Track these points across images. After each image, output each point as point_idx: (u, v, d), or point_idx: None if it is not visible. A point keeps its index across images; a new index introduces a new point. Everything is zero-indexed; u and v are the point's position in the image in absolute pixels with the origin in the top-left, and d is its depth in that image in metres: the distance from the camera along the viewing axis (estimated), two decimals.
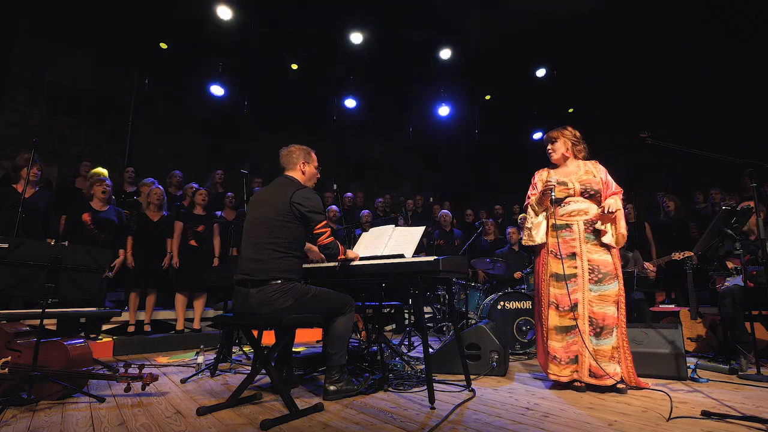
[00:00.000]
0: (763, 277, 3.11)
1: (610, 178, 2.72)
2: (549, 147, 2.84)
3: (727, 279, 3.68)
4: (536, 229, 2.75)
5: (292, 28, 7.33)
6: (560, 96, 8.46)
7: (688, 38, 6.52)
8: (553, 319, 2.61)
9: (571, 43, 7.39)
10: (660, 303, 4.90)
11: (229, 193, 5.38)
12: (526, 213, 2.85)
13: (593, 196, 2.65)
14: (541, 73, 8.31)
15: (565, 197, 2.67)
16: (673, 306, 4.51)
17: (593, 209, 2.66)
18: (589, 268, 2.56)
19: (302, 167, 2.57)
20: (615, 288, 2.54)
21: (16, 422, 2.00)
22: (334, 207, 5.72)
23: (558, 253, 2.63)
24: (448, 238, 6.19)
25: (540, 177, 2.84)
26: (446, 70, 8.38)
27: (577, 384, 2.52)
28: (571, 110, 8.66)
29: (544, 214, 2.74)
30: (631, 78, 7.38)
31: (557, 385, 2.61)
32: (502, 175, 9.42)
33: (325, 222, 2.42)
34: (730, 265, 3.71)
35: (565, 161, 2.80)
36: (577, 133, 2.81)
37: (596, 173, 2.71)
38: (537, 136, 9.20)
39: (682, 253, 3.79)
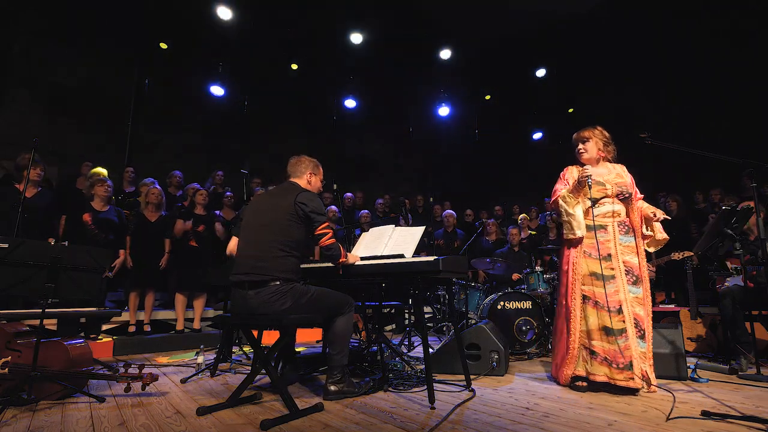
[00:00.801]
0: (763, 277, 3.11)
1: (634, 182, 2.74)
2: (581, 147, 2.79)
3: (727, 279, 3.68)
4: (577, 221, 2.65)
5: (292, 28, 7.34)
6: (560, 96, 8.47)
7: (688, 38, 6.52)
8: (597, 318, 2.53)
9: (571, 43, 7.39)
10: (660, 303, 4.89)
11: (228, 193, 5.38)
12: (557, 207, 2.74)
13: (626, 198, 2.66)
14: (541, 73, 8.32)
15: (602, 197, 2.66)
16: (673, 306, 4.51)
17: (624, 212, 2.68)
18: (626, 270, 2.57)
19: (309, 177, 2.62)
20: (641, 292, 2.57)
21: (16, 422, 2.00)
22: (333, 207, 5.72)
23: (593, 254, 2.61)
24: (451, 239, 6.19)
25: (570, 173, 2.79)
26: (446, 70, 8.38)
27: (580, 384, 2.50)
28: (571, 110, 8.66)
29: (581, 206, 2.67)
30: (631, 78, 7.39)
31: (608, 386, 2.47)
32: (502, 175, 9.43)
33: (327, 224, 2.43)
34: (729, 265, 3.71)
35: (597, 162, 2.78)
36: (607, 134, 2.80)
37: (625, 176, 2.73)
38: (537, 136, 9.22)
39: (681, 253, 3.79)
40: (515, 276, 4.86)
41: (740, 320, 3.24)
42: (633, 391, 2.43)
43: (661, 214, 2.58)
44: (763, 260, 2.28)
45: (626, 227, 2.67)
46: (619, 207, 2.67)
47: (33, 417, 2.08)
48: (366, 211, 6.25)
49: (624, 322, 2.48)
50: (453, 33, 7.83)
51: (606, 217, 2.66)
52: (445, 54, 8.07)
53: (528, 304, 4.00)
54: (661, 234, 2.67)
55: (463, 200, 7.85)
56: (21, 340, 2.47)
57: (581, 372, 2.55)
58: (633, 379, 2.40)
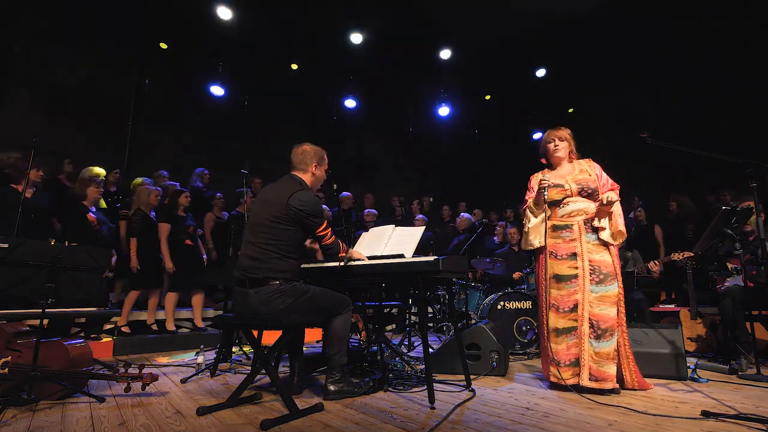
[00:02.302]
0: (763, 277, 3.11)
1: (605, 174, 2.72)
2: (556, 145, 2.79)
3: (727, 279, 3.68)
4: (534, 232, 2.74)
5: (292, 28, 7.34)
6: (560, 96, 8.46)
7: (688, 38, 6.51)
8: (553, 320, 2.59)
9: (571, 43, 7.39)
10: (660, 303, 4.90)
11: (218, 194, 5.33)
12: (524, 217, 2.83)
13: (591, 194, 2.64)
14: (541, 73, 8.32)
15: (563, 198, 2.66)
16: (673, 306, 4.51)
17: (591, 207, 2.65)
18: (590, 269, 2.54)
19: (313, 169, 2.55)
20: (615, 289, 2.52)
21: (16, 422, 2.00)
22: (325, 207, 5.71)
23: (558, 254, 2.62)
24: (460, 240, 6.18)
25: (536, 180, 2.83)
26: (446, 70, 8.38)
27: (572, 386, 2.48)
28: (571, 110, 8.66)
29: (543, 216, 2.72)
30: (631, 78, 7.38)
31: (556, 387, 2.59)
32: (502, 175, 9.43)
33: (326, 224, 2.42)
34: (729, 265, 3.71)
35: (560, 162, 2.80)
36: (571, 134, 2.84)
37: (591, 171, 2.71)
38: (537, 136, 9.21)
39: (681, 254, 3.79)
40: (516, 275, 4.86)
41: (740, 320, 3.24)
42: (580, 389, 2.43)
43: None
44: (763, 260, 2.28)
45: (593, 225, 2.63)
46: (585, 204, 2.65)
47: (33, 417, 2.08)
48: (369, 210, 6.28)
49: (575, 321, 2.50)
50: (453, 33, 7.83)
51: (571, 216, 2.65)
52: (445, 54, 8.07)
53: (528, 304, 4.00)
54: (617, 226, 2.58)
55: (462, 200, 7.85)
56: (21, 340, 2.47)
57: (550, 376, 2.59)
58: (578, 375, 2.43)
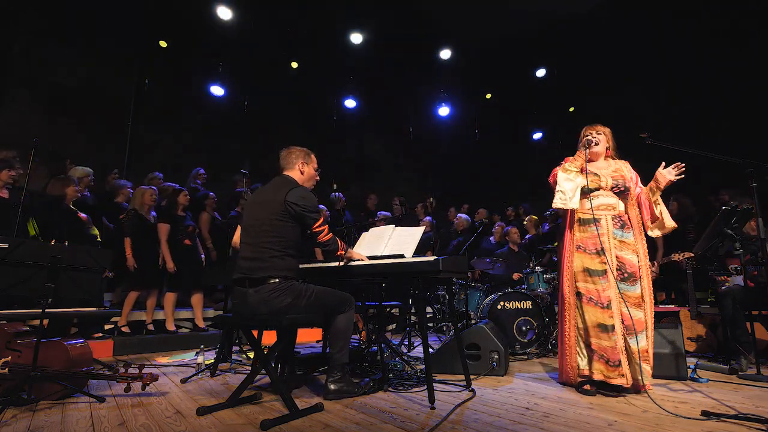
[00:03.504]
0: (763, 277, 3.11)
1: (639, 179, 2.73)
2: (595, 137, 2.72)
3: (727, 279, 3.68)
4: (572, 192, 2.55)
5: (292, 28, 7.34)
6: (560, 96, 8.46)
7: (688, 38, 6.51)
8: (594, 315, 2.50)
9: (571, 43, 7.39)
10: (660, 303, 4.89)
11: (211, 193, 5.32)
12: (555, 179, 2.66)
13: (623, 192, 2.64)
14: (541, 73, 8.32)
15: (596, 189, 2.63)
16: (673, 306, 4.51)
17: (620, 205, 2.66)
18: (617, 265, 2.54)
19: (301, 167, 2.56)
20: (638, 291, 2.51)
21: (16, 422, 2.00)
22: (322, 206, 5.70)
23: (587, 249, 2.60)
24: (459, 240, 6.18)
25: (571, 162, 2.71)
26: (446, 70, 8.38)
27: (587, 387, 2.44)
28: (571, 109, 8.66)
29: (582, 177, 2.60)
30: (631, 78, 7.38)
31: (594, 384, 2.47)
32: (502, 175, 9.43)
33: (322, 220, 2.42)
34: (729, 265, 3.71)
35: (597, 158, 2.77)
36: (611, 132, 2.82)
37: (625, 172, 2.71)
38: (537, 136, 9.22)
39: (682, 254, 3.78)
40: (516, 275, 4.86)
41: (740, 320, 3.24)
42: (622, 390, 2.41)
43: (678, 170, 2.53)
44: (763, 260, 2.28)
45: (621, 221, 2.63)
46: (614, 200, 2.64)
47: (33, 417, 2.08)
48: (388, 213, 6.29)
49: (612, 318, 2.47)
50: (453, 33, 7.83)
51: (599, 210, 2.62)
52: (445, 54, 8.07)
53: (528, 304, 4.00)
54: (669, 221, 2.62)
55: (463, 200, 7.85)
56: (21, 340, 2.47)
57: (585, 370, 2.53)
58: (623, 376, 2.39)
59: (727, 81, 6.26)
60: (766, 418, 1.87)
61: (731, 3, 6.12)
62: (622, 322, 2.47)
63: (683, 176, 2.56)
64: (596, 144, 2.71)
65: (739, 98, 6.19)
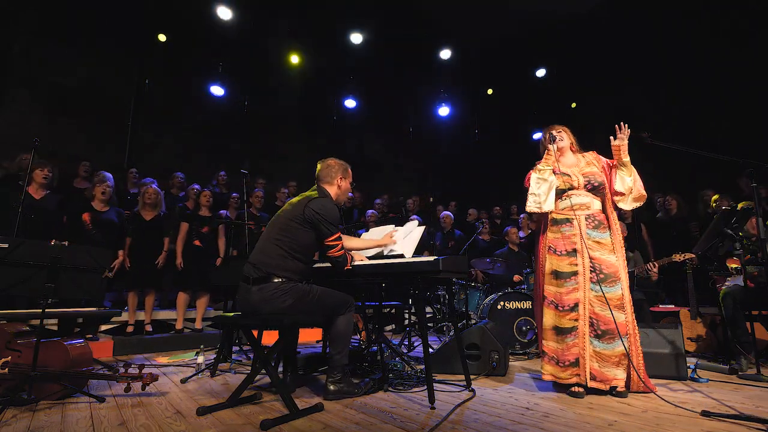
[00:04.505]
0: (763, 277, 3.11)
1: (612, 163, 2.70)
2: (557, 133, 2.73)
3: (728, 279, 3.68)
4: (545, 194, 2.54)
5: (292, 28, 7.34)
6: (560, 96, 8.46)
7: (688, 38, 6.52)
8: (551, 318, 2.52)
9: (571, 43, 7.40)
10: (660, 303, 4.89)
11: (234, 194, 5.37)
12: (530, 183, 2.66)
13: (596, 188, 2.60)
14: (541, 73, 8.32)
15: (568, 189, 2.60)
16: (673, 306, 4.51)
17: (595, 204, 2.61)
18: (591, 266, 2.46)
19: (339, 182, 2.61)
20: (618, 291, 2.45)
21: (16, 422, 2.00)
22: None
23: (557, 250, 2.57)
24: (447, 239, 6.19)
25: (543, 162, 2.73)
26: (446, 70, 8.38)
27: (575, 389, 2.40)
28: (573, 105, 8.63)
29: (554, 177, 2.60)
30: (631, 78, 7.38)
31: (555, 386, 2.57)
32: (502, 175, 9.43)
33: (338, 235, 2.43)
34: (730, 265, 3.70)
35: (564, 153, 2.76)
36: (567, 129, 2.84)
37: (597, 164, 2.68)
38: (537, 136, 9.21)
39: (682, 255, 3.78)
40: (516, 278, 4.86)
41: (740, 320, 3.24)
42: (577, 395, 2.37)
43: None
44: (763, 260, 2.28)
45: (596, 221, 2.57)
46: (588, 199, 2.59)
47: (33, 417, 2.08)
48: (373, 211, 6.28)
49: (576, 320, 2.43)
50: (453, 33, 7.83)
51: (573, 210, 2.57)
52: (445, 54, 8.08)
53: (528, 304, 4.00)
54: (637, 190, 2.58)
55: (463, 200, 7.85)
56: (21, 340, 2.47)
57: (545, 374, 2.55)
58: (578, 375, 2.39)
59: (727, 81, 6.26)
60: (766, 419, 1.87)
61: (731, 3, 6.12)
62: (591, 325, 2.42)
63: (626, 139, 2.57)
64: (560, 140, 2.73)
65: (739, 98, 6.19)
